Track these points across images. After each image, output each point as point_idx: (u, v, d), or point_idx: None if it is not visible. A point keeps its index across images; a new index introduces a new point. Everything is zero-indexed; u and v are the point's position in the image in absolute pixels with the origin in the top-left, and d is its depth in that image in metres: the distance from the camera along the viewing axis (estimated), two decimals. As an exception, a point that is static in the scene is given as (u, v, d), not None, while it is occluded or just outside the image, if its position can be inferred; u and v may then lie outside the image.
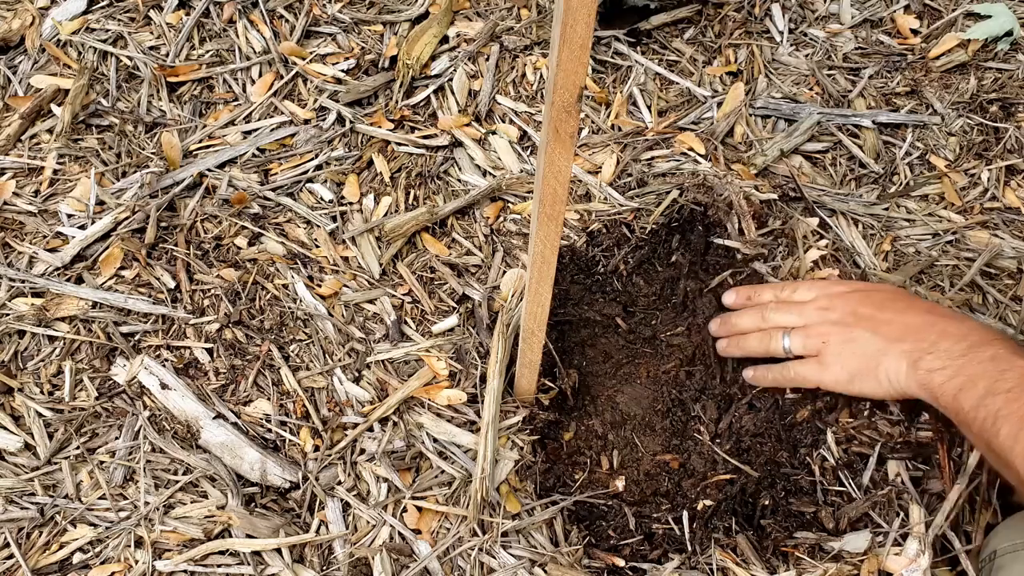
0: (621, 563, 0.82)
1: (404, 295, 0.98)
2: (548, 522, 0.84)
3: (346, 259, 1.01)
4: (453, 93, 1.15)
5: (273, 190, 1.06)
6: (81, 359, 0.93)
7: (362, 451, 0.87)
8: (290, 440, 0.88)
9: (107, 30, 1.20)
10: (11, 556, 0.81)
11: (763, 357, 0.89)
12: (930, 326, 0.78)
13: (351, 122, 1.11)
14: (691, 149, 1.10)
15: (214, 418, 0.88)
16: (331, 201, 1.05)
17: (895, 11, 1.26)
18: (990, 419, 0.69)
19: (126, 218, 1.01)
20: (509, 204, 1.06)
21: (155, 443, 0.87)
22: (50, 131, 1.10)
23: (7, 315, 0.94)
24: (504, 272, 1.00)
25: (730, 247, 1.00)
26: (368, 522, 0.84)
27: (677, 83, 1.18)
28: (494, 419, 0.85)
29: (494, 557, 0.81)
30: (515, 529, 0.82)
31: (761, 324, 0.88)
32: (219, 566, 0.81)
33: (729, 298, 0.93)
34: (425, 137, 1.11)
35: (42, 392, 0.91)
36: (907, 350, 0.77)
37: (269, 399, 0.91)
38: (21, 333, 0.94)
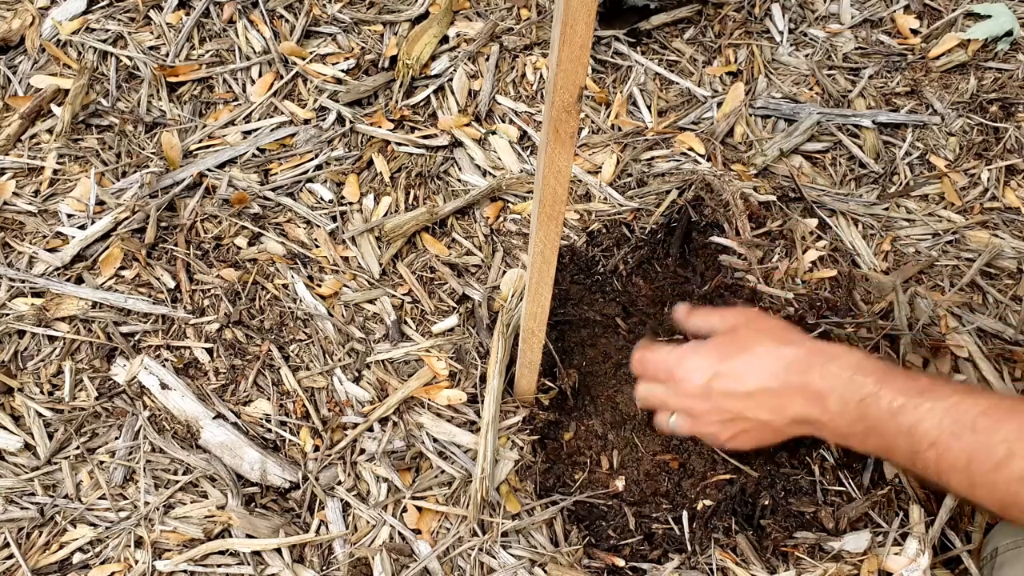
0: (621, 563, 0.82)
1: (404, 295, 0.98)
2: (548, 522, 0.84)
3: (346, 259, 1.01)
4: (453, 93, 1.15)
5: (273, 190, 1.06)
6: (81, 359, 0.93)
7: (362, 451, 0.88)
8: (290, 440, 0.88)
9: (107, 30, 1.20)
10: (11, 556, 0.81)
11: None
12: (800, 389, 0.73)
13: (351, 122, 1.11)
14: (691, 149, 1.10)
15: (214, 418, 0.88)
16: (331, 201, 1.05)
17: (895, 11, 1.26)
18: (931, 469, 0.67)
19: (126, 218, 1.01)
20: (509, 204, 1.06)
21: (155, 443, 0.87)
22: (50, 131, 1.10)
23: (7, 315, 0.94)
24: (504, 272, 1.00)
25: (726, 248, 1.00)
26: (368, 522, 0.84)
27: (677, 83, 1.18)
28: (494, 419, 0.85)
29: (494, 557, 0.81)
30: (515, 529, 0.82)
31: (647, 396, 0.85)
32: (219, 566, 0.81)
33: (633, 357, 0.87)
34: (425, 137, 1.11)
35: (42, 392, 0.91)
36: (798, 419, 0.75)
37: (269, 399, 0.91)
38: (21, 333, 0.94)
